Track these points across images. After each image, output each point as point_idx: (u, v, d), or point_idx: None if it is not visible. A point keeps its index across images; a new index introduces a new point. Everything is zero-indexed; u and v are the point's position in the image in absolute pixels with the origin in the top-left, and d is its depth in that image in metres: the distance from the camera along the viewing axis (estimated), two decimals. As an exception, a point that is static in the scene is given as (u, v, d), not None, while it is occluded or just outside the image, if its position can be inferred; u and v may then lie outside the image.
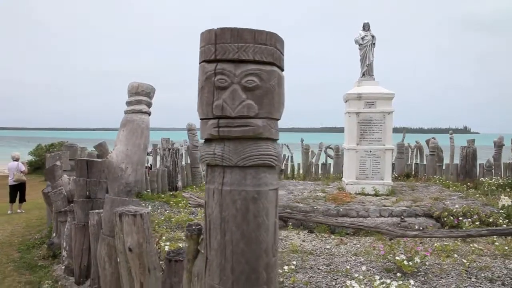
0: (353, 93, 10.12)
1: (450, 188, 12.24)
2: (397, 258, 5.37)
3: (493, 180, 12.94)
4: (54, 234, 6.91)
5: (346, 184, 10.29)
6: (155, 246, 3.36)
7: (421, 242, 6.78)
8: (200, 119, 2.61)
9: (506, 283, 5.12)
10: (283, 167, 16.10)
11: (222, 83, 2.46)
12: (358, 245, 6.65)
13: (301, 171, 16.42)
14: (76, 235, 5.09)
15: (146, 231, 3.29)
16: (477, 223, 7.58)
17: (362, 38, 10.41)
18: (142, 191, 11.60)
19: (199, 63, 2.63)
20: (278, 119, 2.66)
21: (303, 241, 7.06)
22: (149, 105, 4.10)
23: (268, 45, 2.51)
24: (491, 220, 7.69)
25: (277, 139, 2.66)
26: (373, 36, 10.42)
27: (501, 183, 12.60)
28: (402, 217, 7.95)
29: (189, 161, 15.04)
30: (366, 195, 9.87)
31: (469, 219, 7.64)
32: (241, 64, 2.46)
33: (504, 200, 8.52)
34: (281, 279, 4.69)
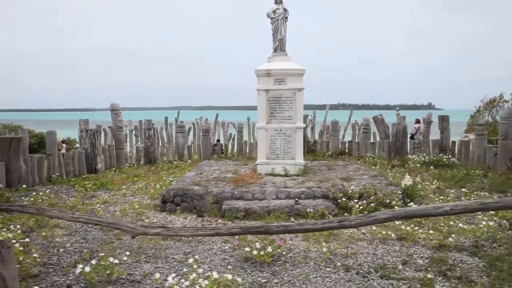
0: (262, 69, 9.60)
1: (375, 166, 12.06)
2: (246, 248, 5.01)
3: (420, 157, 12.81)
4: None
5: (257, 164, 9.91)
6: None
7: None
8: None
9: (361, 271, 4.81)
10: (216, 147, 15.67)
11: None
12: (235, 232, 6.27)
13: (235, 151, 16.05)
14: None
15: None
16: (372, 204, 7.31)
17: (274, 12, 9.83)
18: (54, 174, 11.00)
19: None
20: None
21: (185, 226, 6.67)
22: None
23: None
24: (387, 201, 7.45)
25: None
26: (285, 10, 9.86)
27: (426, 161, 12.47)
28: (297, 199, 7.62)
29: (113, 142, 14.46)
30: (276, 175, 9.49)
31: (364, 201, 7.38)
32: None
33: (406, 180, 8.28)
34: (108, 272, 4.28)
